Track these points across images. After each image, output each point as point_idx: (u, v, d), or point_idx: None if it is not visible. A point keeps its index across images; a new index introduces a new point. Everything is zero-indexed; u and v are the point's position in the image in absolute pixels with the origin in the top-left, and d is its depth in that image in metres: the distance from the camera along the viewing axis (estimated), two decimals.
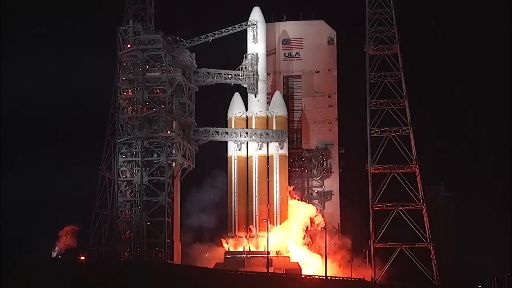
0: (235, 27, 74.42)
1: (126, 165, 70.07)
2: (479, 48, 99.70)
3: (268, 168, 75.26)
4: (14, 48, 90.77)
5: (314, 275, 72.44)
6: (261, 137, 74.39)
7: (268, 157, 75.54)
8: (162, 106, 70.04)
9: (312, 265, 75.22)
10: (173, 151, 70.05)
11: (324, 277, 69.82)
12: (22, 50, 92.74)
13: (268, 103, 77.75)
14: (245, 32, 75.79)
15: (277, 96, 78.16)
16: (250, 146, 75.43)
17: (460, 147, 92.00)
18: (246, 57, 75.30)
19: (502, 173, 78.24)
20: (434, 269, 74.19)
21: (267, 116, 76.26)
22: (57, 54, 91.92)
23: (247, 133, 74.37)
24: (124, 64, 71.05)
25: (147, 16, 75.20)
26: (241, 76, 74.73)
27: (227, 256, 72.62)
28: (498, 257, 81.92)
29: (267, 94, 78.49)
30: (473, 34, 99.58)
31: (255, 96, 75.66)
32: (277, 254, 72.12)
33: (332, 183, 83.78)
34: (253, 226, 74.03)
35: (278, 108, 76.80)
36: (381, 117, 76.27)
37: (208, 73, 74.06)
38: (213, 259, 74.28)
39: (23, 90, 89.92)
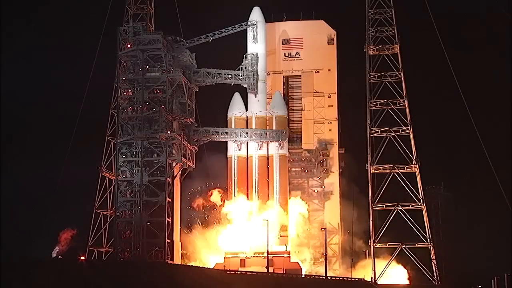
0: (235, 27, 74.34)
1: (126, 165, 70.03)
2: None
3: (268, 168, 75.17)
4: (12, 47, 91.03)
5: (314, 275, 72.53)
6: (261, 137, 74.29)
7: (268, 157, 75.43)
8: (162, 106, 70.02)
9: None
10: (173, 151, 70.03)
11: (324, 277, 69.83)
12: (21, 49, 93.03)
13: (268, 103, 77.73)
14: (245, 32, 75.73)
15: (277, 96, 78.10)
16: (250, 146, 75.32)
17: (460, 146, 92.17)
18: (246, 57, 75.15)
19: (502, 172, 78.10)
20: (434, 269, 74.17)
21: (267, 116, 76.13)
22: (57, 53, 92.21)
23: (247, 133, 74.28)
24: (124, 64, 71.06)
25: (147, 16, 75.24)
26: (241, 76, 74.58)
27: (227, 256, 72.54)
28: (498, 257, 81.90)
29: (267, 94, 78.44)
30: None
31: (255, 96, 75.51)
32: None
33: (332, 183, 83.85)
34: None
35: (278, 108, 76.65)
36: (381, 117, 76.31)
37: (208, 73, 73.99)
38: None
39: (21, 89, 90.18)
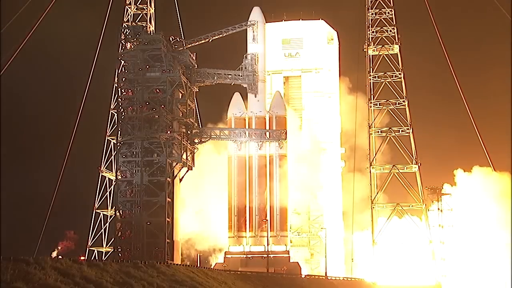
0: (235, 27, 74.23)
1: (126, 165, 69.94)
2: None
3: (268, 168, 75.04)
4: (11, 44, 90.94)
5: (314, 275, 72.53)
6: (261, 137, 74.18)
7: (268, 157, 75.29)
8: (162, 106, 69.96)
9: None
10: (173, 151, 69.97)
11: (324, 277, 69.85)
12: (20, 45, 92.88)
13: (268, 103, 77.65)
14: (245, 32, 75.66)
15: (277, 96, 77.92)
16: (250, 146, 75.22)
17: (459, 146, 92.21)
18: (246, 57, 75.01)
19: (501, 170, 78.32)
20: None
21: (267, 116, 75.99)
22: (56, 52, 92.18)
23: (247, 133, 74.19)
24: (124, 64, 71.03)
25: (147, 16, 75.24)
26: (241, 76, 74.38)
27: (227, 256, 72.57)
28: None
29: (267, 94, 78.36)
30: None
31: (255, 96, 75.37)
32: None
33: (332, 182, 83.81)
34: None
35: (278, 108, 76.47)
36: (381, 118, 76.36)
37: (208, 73, 73.90)
38: None
39: (20, 88, 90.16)
